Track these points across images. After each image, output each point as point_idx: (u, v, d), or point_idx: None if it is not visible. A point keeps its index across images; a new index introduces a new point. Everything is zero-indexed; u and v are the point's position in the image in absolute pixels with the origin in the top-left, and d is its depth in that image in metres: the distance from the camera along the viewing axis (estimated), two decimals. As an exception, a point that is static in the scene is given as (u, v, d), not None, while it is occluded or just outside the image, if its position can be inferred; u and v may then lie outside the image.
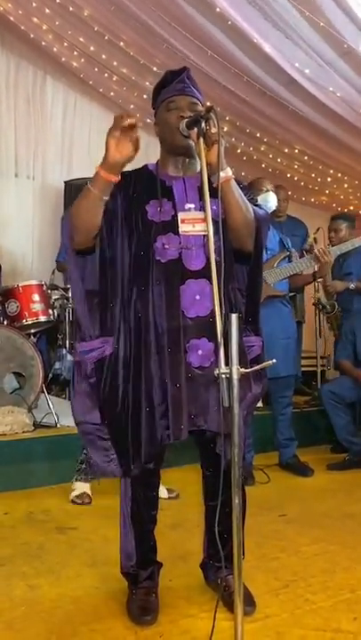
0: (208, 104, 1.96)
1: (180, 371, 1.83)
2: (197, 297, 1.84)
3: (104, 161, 1.72)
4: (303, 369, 5.25)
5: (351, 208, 6.99)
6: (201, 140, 1.77)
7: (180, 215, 1.89)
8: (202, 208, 1.86)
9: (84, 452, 3.17)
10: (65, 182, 5.67)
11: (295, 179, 6.36)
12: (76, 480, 3.18)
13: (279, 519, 2.86)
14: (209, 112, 1.75)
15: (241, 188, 1.91)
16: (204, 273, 1.83)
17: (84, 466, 3.20)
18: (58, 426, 3.68)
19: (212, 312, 1.65)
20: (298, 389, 4.72)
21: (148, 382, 1.85)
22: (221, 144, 1.76)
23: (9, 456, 3.33)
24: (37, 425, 3.67)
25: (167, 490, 3.18)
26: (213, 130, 1.75)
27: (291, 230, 4.76)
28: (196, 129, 1.79)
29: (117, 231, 1.89)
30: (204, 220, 1.77)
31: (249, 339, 1.98)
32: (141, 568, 2.02)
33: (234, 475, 1.62)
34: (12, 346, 3.67)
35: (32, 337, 3.97)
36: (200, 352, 1.84)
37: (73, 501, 3.11)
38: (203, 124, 1.76)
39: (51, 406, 3.72)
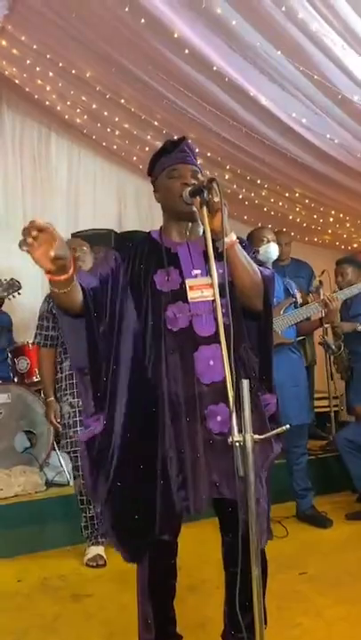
0: (209, 174, 1.99)
1: (198, 439, 1.81)
2: (211, 362, 1.83)
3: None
4: (317, 410, 5.19)
5: (355, 246, 7.02)
6: (204, 208, 1.81)
7: (188, 282, 1.91)
8: (208, 273, 1.89)
9: (83, 515, 3.12)
10: (72, 234, 5.75)
11: (297, 220, 6.42)
12: (89, 545, 3.12)
13: (299, 578, 2.78)
14: (211, 182, 1.79)
15: (242, 246, 1.92)
16: (216, 338, 1.80)
17: (89, 531, 3.15)
18: (70, 484, 3.63)
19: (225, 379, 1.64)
20: (312, 433, 4.65)
21: (163, 454, 1.82)
22: (224, 212, 1.79)
23: (22, 518, 3.29)
24: (49, 484, 3.63)
25: None
26: (216, 199, 1.78)
27: (295, 272, 4.78)
28: (199, 198, 1.83)
29: (123, 304, 1.90)
30: (212, 285, 1.79)
31: (264, 397, 1.97)
32: None
33: (252, 544, 1.59)
34: (22, 404, 3.67)
35: (42, 394, 3.96)
36: (219, 418, 1.82)
37: (87, 564, 3.04)
38: (205, 194, 1.80)
39: (62, 464, 3.69)
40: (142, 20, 3.47)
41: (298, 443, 3.65)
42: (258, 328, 1.99)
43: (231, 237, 1.83)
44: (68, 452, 3.20)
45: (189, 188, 1.88)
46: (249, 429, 1.58)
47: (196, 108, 4.42)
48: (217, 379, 1.81)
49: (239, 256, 1.85)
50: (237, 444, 1.57)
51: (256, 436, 1.60)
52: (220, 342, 1.69)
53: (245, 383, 1.59)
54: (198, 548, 3.12)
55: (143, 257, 1.96)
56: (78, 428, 3.07)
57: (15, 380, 3.90)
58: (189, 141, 2.07)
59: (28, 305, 5.53)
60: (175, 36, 3.52)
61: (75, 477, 3.20)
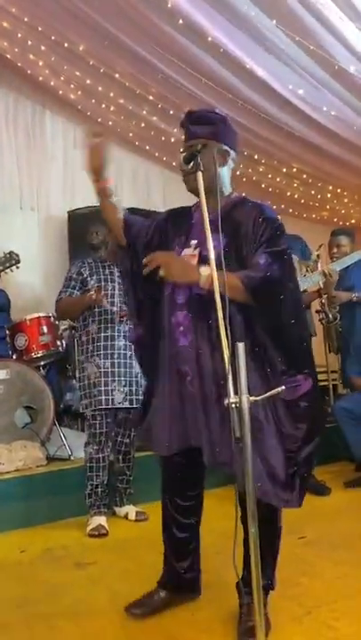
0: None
1: (180, 394, 2.04)
2: (181, 328, 2.00)
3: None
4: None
5: (353, 221, 7.01)
6: (200, 173, 1.85)
7: (183, 252, 2.03)
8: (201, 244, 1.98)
9: (90, 483, 3.18)
10: (68, 212, 5.74)
11: (295, 196, 6.40)
12: (91, 515, 3.17)
13: (299, 542, 2.83)
14: (205, 147, 1.85)
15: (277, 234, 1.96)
16: (187, 306, 1.99)
17: (92, 499, 3.19)
18: (71, 458, 3.67)
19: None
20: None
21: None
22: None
23: (24, 492, 3.32)
24: (51, 458, 3.67)
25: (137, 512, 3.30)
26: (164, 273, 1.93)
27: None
28: (193, 163, 1.88)
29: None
30: (194, 255, 1.98)
31: (295, 378, 1.96)
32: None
33: (249, 506, 1.63)
34: (22, 380, 3.69)
35: (41, 369, 3.99)
36: (188, 378, 2.00)
37: (90, 535, 3.09)
38: (198, 158, 1.85)
39: (63, 439, 3.72)
40: (136, -10, 3.42)
41: None
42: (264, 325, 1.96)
43: (202, 279, 1.85)
44: (84, 415, 3.27)
45: (183, 154, 1.92)
46: (245, 391, 1.62)
47: (192, 82, 4.39)
48: (182, 342, 2.00)
49: (217, 289, 1.76)
50: (233, 405, 1.61)
51: (252, 398, 1.64)
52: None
53: (241, 346, 1.63)
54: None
55: (174, 222, 2.17)
56: (102, 388, 3.16)
57: (14, 357, 3.91)
58: (197, 112, 2.08)
59: (25, 282, 5.54)
60: (169, 5, 3.48)
61: (86, 444, 3.22)
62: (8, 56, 5.23)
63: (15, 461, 3.41)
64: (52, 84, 5.42)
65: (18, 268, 4.04)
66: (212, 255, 1.79)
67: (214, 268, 1.78)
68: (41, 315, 4.06)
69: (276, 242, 1.93)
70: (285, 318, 1.96)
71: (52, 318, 4.08)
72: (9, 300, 4.71)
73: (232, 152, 2.06)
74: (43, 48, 4.75)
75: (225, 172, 2.06)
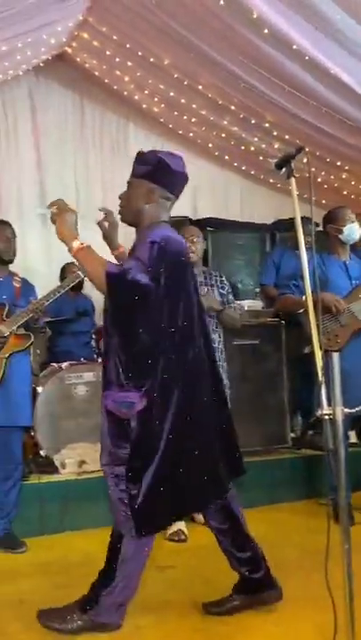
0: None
1: None
2: None
3: None
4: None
5: None
6: (293, 179, 1.88)
7: None
8: None
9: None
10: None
11: (380, 204, 6.23)
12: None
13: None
14: (300, 151, 1.88)
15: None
16: None
17: None
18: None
19: None
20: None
21: None
22: (65, 221, 2.14)
23: (100, 493, 3.39)
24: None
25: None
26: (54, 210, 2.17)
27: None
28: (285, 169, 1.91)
29: None
30: None
31: (128, 394, 2.00)
32: None
33: (342, 520, 1.60)
34: (105, 383, 3.78)
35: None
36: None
37: (169, 539, 3.12)
38: (292, 164, 1.86)
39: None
40: (221, 2, 3.47)
41: None
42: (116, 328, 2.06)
43: (72, 245, 2.06)
44: None
45: (276, 160, 1.93)
46: (339, 402, 1.60)
47: (275, 90, 4.38)
48: None
49: (83, 262, 2.06)
50: (326, 417, 1.60)
51: (346, 410, 1.61)
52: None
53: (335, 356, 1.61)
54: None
55: None
56: None
57: (99, 360, 4.02)
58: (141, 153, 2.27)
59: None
60: (254, 15, 3.49)
61: None
62: (96, 73, 5.46)
63: (99, 462, 3.48)
64: (136, 97, 5.59)
65: None
66: None
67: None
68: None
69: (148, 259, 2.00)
70: (132, 325, 1.98)
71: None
72: (93, 305, 4.87)
73: (160, 189, 2.17)
74: (129, 64, 4.92)
75: (150, 209, 2.17)
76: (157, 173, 2.16)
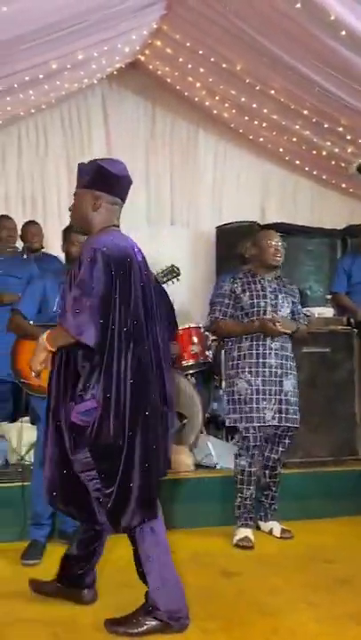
0: None
1: None
2: None
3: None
4: None
5: None
6: None
7: None
8: None
9: (240, 495, 3.18)
10: (216, 227, 5.88)
11: None
12: (238, 527, 3.18)
13: None
14: None
15: None
16: None
17: (240, 511, 3.20)
18: (217, 467, 3.71)
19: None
20: None
21: None
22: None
23: (171, 495, 3.42)
24: (197, 465, 3.73)
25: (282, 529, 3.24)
26: None
27: None
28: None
29: None
30: None
31: (86, 403, 2.12)
32: None
33: None
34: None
35: (192, 378, 4.10)
36: None
37: (237, 545, 3.10)
38: None
39: (211, 448, 3.78)
40: (297, 5, 3.44)
41: None
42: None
43: (42, 342, 2.20)
44: (237, 428, 3.24)
45: (357, 164, 1.89)
46: None
47: (350, 93, 4.29)
48: None
49: (55, 342, 2.18)
50: None
51: None
52: None
53: None
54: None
55: None
56: (254, 406, 3.15)
57: (166, 364, 4.05)
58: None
59: (172, 294, 5.73)
60: (331, 18, 3.44)
61: (237, 456, 3.23)
62: (168, 80, 5.53)
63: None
64: (207, 104, 5.62)
65: (178, 280, 4.18)
66: None
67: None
68: (192, 325, 4.19)
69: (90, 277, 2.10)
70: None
71: (202, 330, 4.18)
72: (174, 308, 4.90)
73: (105, 195, 2.25)
74: (201, 70, 4.95)
75: (97, 216, 2.26)
76: (99, 181, 2.25)
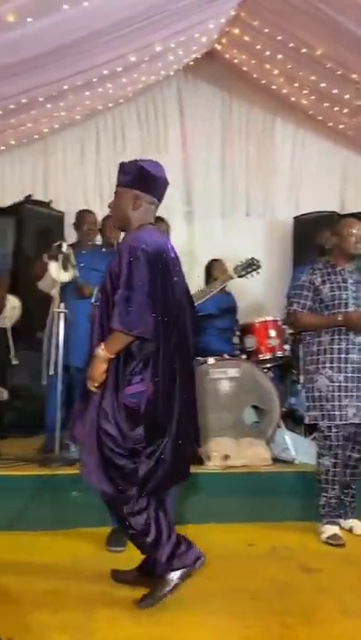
0: None
1: None
2: None
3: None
4: None
5: None
6: None
7: None
8: None
9: (324, 495, 3.10)
10: (294, 218, 5.76)
11: None
12: (324, 524, 3.10)
13: None
14: None
15: None
16: None
17: (326, 510, 3.12)
18: (295, 462, 3.65)
19: None
20: None
21: None
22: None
23: (249, 488, 3.41)
24: (274, 459, 3.69)
25: None
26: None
27: None
28: None
29: None
30: None
31: (135, 386, 2.26)
32: None
33: None
34: (251, 380, 3.78)
35: (269, 371, 4.05)
36: None
37: (327, 542, 3.02)
38: None
39: (288, 442, 3.72)
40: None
41: None
42: None
43: (100, 353, 2.26)
44: (318, 427, 3.15)
45: None
46: None
47: None
48: None
49: (114, 347, 2.25)
50: None
51: None
52: None
53: None
54: None
55: None
56: (336, 403, 3.06)
57: (243, 357, 4.03)
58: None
59: (247, 286, 5.69)
60: None
61: (320, 456, 3.12)
62: (244, 68, 5.45)
63: (242, 458, 3.50)
64: (284, 91, 5.51)
65: (258, 273, 4.12)
66: None
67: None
68: (269, 318, 4.13)
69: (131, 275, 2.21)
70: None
71: (280, 322, 4.11)
72: (235, 302, 4.88)
73: (145, 195, 2.36)
74: (279, 57, 4.86)
75: (136, 214, 2.37)
76: (140, 181, 2.35)
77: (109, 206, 2.47)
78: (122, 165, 2.42)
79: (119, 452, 2.25)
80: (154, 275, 2.23)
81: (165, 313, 2.26)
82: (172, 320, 2.29)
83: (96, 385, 2.27)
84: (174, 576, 2.28)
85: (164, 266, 2.29)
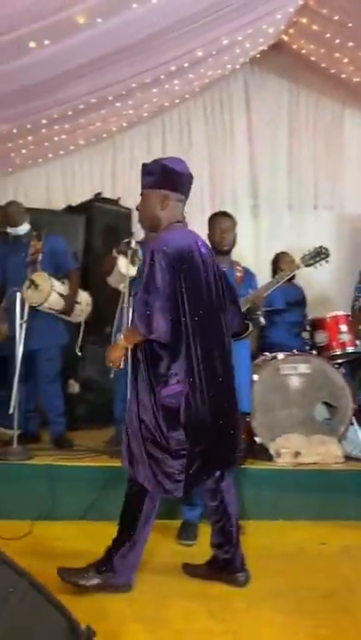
0: None
1: None
2: None
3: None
4: None
5: None
6: None
7: None
8: None
9: None
10: (365, 212, 5.60)
11: None
12: None
13: None
14: None
15: None
16: None
17: None
18: (368, 460, 3.56)
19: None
20: None
21: None
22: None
23: (321, 485, 3.34)
24: (347, 457, 3.60)
25: None
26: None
27: None
28: None
29: None
30: None
31: (172, 386, 2.27)
32: None
33: None
34: (322, 376, 3.70)
35: (340, 367, 3.95)
36: None
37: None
38: None
39: (361, 439, 3.63)
40: None
41: None
42: None
43: (121, 342, 2.39)
44: None
45: None
46: None
47: None
48: None
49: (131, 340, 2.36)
50: None
51: None
52: None
53: None
54: None
55: None
56: None
57: (313, 352, 3.95)
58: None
59: (314, 279, 5.58)
60: None
61: None
62: (312, 58, 5.33)
63: (313, 455, 3.44)
64: (354, 80, 5.35)
65: (327, 262, 4.00)
66: None
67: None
68: (340, 313, 4.03)
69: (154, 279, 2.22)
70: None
71: (351, 317, 4.00)
72: (305, 295, 4.79)
73: (172, 193, 2.36)
74: (350, 44, 4.72)
75: (165, 214, 2.38)
76: (165, 180, 2.35)
77: (137, 209, 2.48)
78: (145, 167, 2.42)
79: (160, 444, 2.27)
80: (176, 276, 2.24)
81: (196, 312, 2.27)
82: (204, 318, 2.29)
83: (115, 366, 2.43)
84: (95, 580, 2.31)
85: (191, 265, 2.29)
